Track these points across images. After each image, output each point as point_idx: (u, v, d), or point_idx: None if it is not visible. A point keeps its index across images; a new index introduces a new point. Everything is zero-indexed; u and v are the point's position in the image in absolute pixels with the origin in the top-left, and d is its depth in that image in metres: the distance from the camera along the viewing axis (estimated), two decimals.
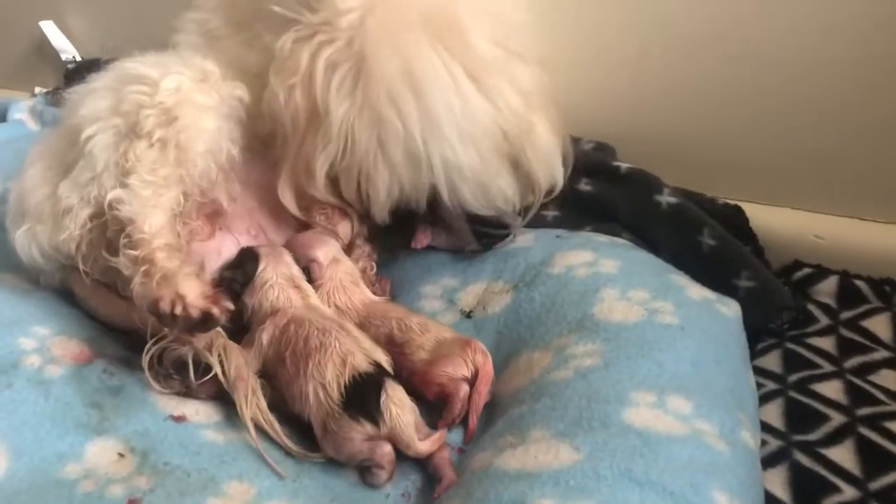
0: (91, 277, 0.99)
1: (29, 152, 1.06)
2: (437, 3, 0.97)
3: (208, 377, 0.90)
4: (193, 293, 0.87)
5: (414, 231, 1.11)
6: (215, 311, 0.87)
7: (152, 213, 0.92)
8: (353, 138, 0.96)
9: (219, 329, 0.91)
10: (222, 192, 1.03)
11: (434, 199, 1.03)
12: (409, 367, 0.94)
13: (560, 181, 1.10)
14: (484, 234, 1.09)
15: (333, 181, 1.02)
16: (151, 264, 0.89)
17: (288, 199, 1.04)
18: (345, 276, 1.04)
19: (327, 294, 1.02)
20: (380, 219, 1.04)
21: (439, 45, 0.95)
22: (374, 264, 1.11)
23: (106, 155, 0.95)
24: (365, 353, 0.89)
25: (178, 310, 0.86)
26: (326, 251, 1.05)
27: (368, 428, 0.83)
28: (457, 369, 0.91)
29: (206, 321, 0.87)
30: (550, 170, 1.07)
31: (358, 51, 0.94)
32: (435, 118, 0.95)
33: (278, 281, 0.98)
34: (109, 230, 0.94)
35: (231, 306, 0.90)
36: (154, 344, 0.91)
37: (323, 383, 0.85)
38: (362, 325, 0.98)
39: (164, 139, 0.95)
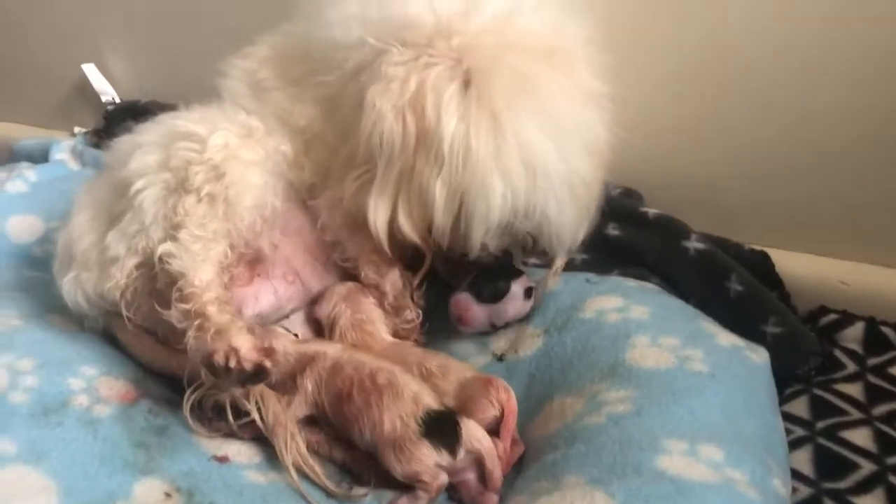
0: (133, 323, 1.02)
1: (75, 201, 1.10)
2: (543, 33, 0.97)
3: (248, 420, 0.93)
4: (246, 346, 0.89)
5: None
6: (268, 363, 0.89)
7: (202, 268, 0.95)
8: (467, 150, 0.92)
9: None
10: (265, 242, 1.06)
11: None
12: None
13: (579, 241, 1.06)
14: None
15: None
16: (204, 318, 0.91)
17: (381, 226, 0.98)
18: (355, 315, 1.05)
19: (340, 332, 1.04)
20: (475, 244, 0.98)
21: (549, 64, 0.95)
22: (419, 312, 1.10)
23: (155, 208, 0.98)
24: (431, 395, 0.92)
25: (233, 363, 0.88)
26: (330, 293, 1.08)
27: (445, 456, 0.86)
28: (485, 412, 0.92)
29: (258, 374, 0.89)
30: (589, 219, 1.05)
31: (468, 69, 0.93)
32: (558, 124, 0.93)
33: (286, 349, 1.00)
34: (159, 283, 0.96)
35: None
36: (193, 391, 0.95)
37: (401, 415, 0.88)
38: None
39: (212, 194, 0.97)
